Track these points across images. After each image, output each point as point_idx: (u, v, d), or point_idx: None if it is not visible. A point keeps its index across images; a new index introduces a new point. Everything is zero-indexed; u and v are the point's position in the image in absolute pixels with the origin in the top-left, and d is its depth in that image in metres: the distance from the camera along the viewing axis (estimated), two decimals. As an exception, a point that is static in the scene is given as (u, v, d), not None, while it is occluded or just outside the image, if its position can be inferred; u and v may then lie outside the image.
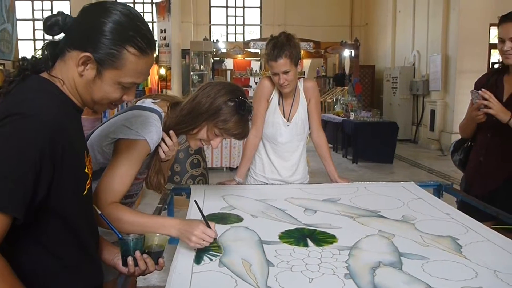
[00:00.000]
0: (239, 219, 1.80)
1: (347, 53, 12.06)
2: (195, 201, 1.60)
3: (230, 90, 1.58)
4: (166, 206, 2.14)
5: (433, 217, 1.83)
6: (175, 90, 10.81)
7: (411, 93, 10.61)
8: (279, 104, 2.34)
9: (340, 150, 8.93)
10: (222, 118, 1.54)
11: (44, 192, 0.90)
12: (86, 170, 1.04)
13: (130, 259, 1.22)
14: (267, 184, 2.41)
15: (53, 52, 1.07)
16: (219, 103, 1.54)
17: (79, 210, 1.02)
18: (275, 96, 2.34)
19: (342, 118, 8.71)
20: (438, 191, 2.37)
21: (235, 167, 7.06)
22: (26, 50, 11.63)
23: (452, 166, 7.64)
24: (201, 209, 1.51)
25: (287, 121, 2.35)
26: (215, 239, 1.43)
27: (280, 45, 2.14)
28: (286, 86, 2.21)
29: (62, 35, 1.08)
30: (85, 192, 1.04)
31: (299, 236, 1.61)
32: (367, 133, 7.93)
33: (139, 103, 1.58)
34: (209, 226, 1.40)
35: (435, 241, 1.57)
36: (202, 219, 1.44)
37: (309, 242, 1.56)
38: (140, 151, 1.44)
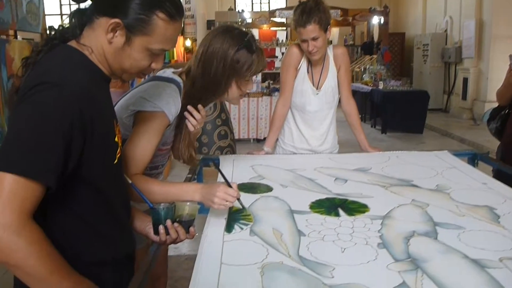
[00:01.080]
0: (268, 188, 1.79)
1: (375, 20, 11.70)
2: (214, 162, 1.60)
3: (231, 37, 1.50)
4: (196, 177, 2.15)
5: (469, 187, 1.78)
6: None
7: (443, 61, 10.30)
8: (307, 72, 2.29)
9: (368, 120, 8.79)
10: (245, 67, 1.50)
11: (75, 161, 0.90)
12: (115, 139, 1.04)
13: (161, 228, 1.22)
14: (296, 153, 2.38)
15: (80, 20, 1.05)
16: (232, 58, 1.48)
17: (110, 179, 1.02)
18: (303, 64, 2.28)
19: (370, 88, 8.55)
20: (473, 160, 2.30)
21: (262, 138, 7.05)
22: (53, 24, 11.71)
23: (485, 136, 7.47)
24: (222, 171, 1.50)
25: (317, 89, 2.30)
26: (243, 206, 1.41)
27: (308, 10, 2.07)
28: (315, 53, 2.15)
29: (89, 2, 1.06)
30: (116, 161, 1.04)
31: (330, 206, 1.59)
32: (397, 103, 7.77)
33: (159, 73, 1.55)
34: (230, 186, 1.39)
35: (471, 210, 1.52)
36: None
37: (340, 211, 1.54)
38: (158, 123, 1.43)
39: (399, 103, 7.77)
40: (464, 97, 9.48)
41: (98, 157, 0.96)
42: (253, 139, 7.21)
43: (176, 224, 1.24)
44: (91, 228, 1.00)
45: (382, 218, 1.47)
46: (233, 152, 5.17)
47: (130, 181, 1.24)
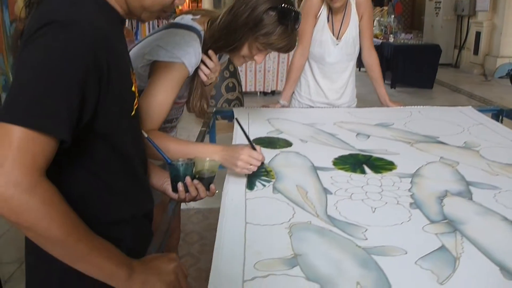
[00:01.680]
0: (288, 143, 1.70)
1: (387, -30, 11.28)
2: (236, 119, 1.49)
3: None
4: (208, 130, 2.06)
5: (499, 144, 1.69)
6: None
7: (455, 14, 9.96)
8: (328, 21, 2.15)
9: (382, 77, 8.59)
10: (264, 31, 1.33)
11: (91, 112, 0.80)
12: (133, 88, 0.94)
13: (180, 185, 1.15)
14: (313, 107, 2.28)
15: None
16: (259, 13, 1.32)
17: (127, 133, 0.93)
18: (323, 11, 2.14)
19: (380, 41, 8.31)
20: (498, 116, 2.20)
21: (269, 91, 6.92)
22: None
23: (496, 92, 7.32)
24: (244, 129, 1.40)
25: (337, 39, 2.16)
26: (263, 163, 1.33)
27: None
28: (338, 0, 2.01)
29: None
30: (133, 112, 0.94)
31: (354, 162, 1.51)
32: (407, 57, 7.58)
33: (177, 20, 1.43)
34: (254, 149, 1.31)
35: (505, 170, 1.44)
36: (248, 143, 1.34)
37: (366, 168, 1.46)
38: (177, 75, 1.31)
39: (410, 57, 7.57)
40: (476, 52, 9.24)
41: (115, 108, 0.86)
42: (260, 92, 7.07)
43: (196, 181, 1.16)
44: (108, 186, 0.91)
45: (411, 176, 1.39)
46: (241, 104, 5.07)
47: (146, 135, 1.15)
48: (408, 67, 7.58)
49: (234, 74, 4.95)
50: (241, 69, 6.80)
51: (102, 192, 0.92)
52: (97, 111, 0.83)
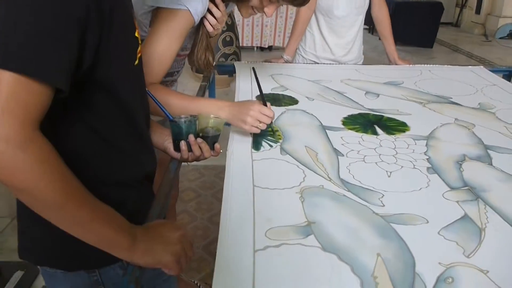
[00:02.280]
0: (293, 101, 1.61)
1: None
2: (253, 68, 1.38)
3: None
4: (208, 85, 1.96)
5: (515, 106, 1.61)
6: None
7: (459, -30, 9.66)
8: (337, -30, 2.01)
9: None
10: None
11: (90, 58, 0.70)
12: (136, 34, 0.83)
13: (183, 144, 1.06)
14: (317, 63, 2.17)
15: None
16: None
17: (130, 84, 0.82)
18: (333, -41, 2.00)
19: (382, -3, 8.04)
20: (509, 78, 2.11)
21: (266, 46, 6.73)
22: None
23: (496, 53, 7.18)
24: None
25: (346, -10, 2.03)
26: (271, 122, 1.24)
27: None
28: None
29: None
30: (136, 61, 0.84)
31: (365, 122, 1.43)
32: (408, 14, 7.36)
33: None
34: (265, 105, 1.22)
35: (524, 133, 1.37)
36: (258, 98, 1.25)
37: (378, 129, 1.38)
38: (182, 23, 1.20)
39: (411, 14, 7.36)
40: (477, 11, 9.01)
41: (117, 55, 0.76)
42: (257, 47, 6.88)
43: (199, 140, 1.07)
44: (109, 144, 0.82)
45: (426, 138, 1.32)
46: (238, 59, 4.91)
47: (146, 89, 1.05)
48: (409, 25, 7.37)
49: (232, 28, 4.77)
50: (238, 23, 6.59)
51: (102, 150, 0.82)
52: (99, 56, 0.72)
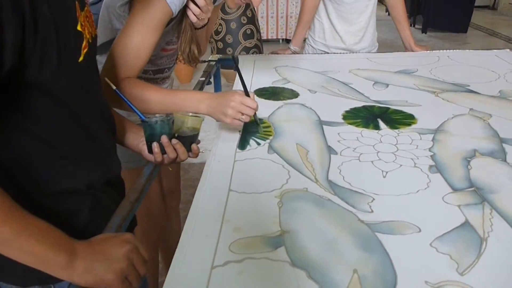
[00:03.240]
0: (294, 94, 1.50)
1: None
2: (234, 58, 1.28)
3: None
4: (211, 80, 1.87)
5: (541, 93, 1.45)
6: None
7: (495, -50, 9.21)
8: (345, -48, 1.87)
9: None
10: None
11: (12, 58, 0.62)
12: (78, 28, 0.75)
13: (155, 146, 0.97)
14: (328, 53, 2.04)
15: None
16: None
17: (75, 84, 0.74)
18: None
19: (411, -19, 7.76)
20: (540, 61, 1.93)
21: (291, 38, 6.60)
22: None
23: (538, 37, 6.78)
24: (242, 76, 1.21)
25: (355, -26, 1.89)
26: (255, 114, 1.14)
27: None
28: None
29: None
30: (81, 58, 0.75)
31: (367, 116, 1.30)
32: (440, -2, 7.06)
33: None
34: (248, 95, 1.12)
35: (547, 123, 1.21)
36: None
37: (381, 123, 1.25)
38: (157, 14, 1.10)
39: (443, -2, 7.05)
40: (516, -8, 8.57)
41: (50, 54, 0.67)
42: (282, 39, 6.75)
43: (174, 141, 0.98)
44: (54, 149, 0.74)
45: (434, 132, 1.19)
46: (259, 52, 4.81)
47: (114, 87, 0.97)
48: (441, 9, 7.07)
49: (252, 21, 4.66)
50: (262, 15, 6.50)
51: (45, 157, 0.75)
52: (25, 56, 0.64)
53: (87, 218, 0.80)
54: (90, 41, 0.79)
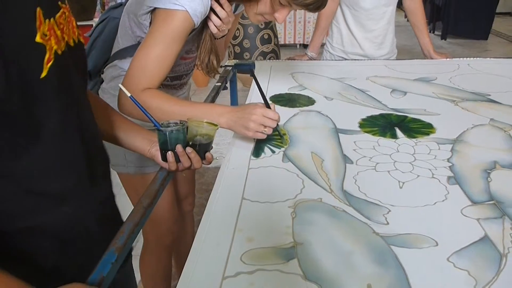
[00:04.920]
0: (310, 101, 1.49)
1: None
2: (251, 70, 1.27)
3: None
4: (227, 85, 1.87)
5: None
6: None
7: (518, -44, 9.07)
8: (364, -42, 1.86)
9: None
10: None
11: None
12: (38, 39, 0.63)
13: (170, 155, 0.97)
14: (346, 59, 2.02)
15: None
16: None
17: (38, 103, 0.64)
18: None
19: (431, -13, 7.69)
20: None
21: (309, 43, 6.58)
22: None
23: (560, 44, 6.65)
24: (260, 85, 1.20)
25: (374, -20, 1.87)
26: (277, 125, 1.13)
27: None
28: None
29: None
30: (44, 73, 0.63)
31: (385, 124, 1.28)
32: (461, 5, 6.97)
33: None
34: (268, 107, 1.11)
35: None
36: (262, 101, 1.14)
37: (398, 132, 1.23)
38: (179, 25, 1.10)
39: (464, 5, 6.95)
40: (539, -2, 8.43)
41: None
42: (300, 44, 6.74)
43: (189, 150, 0.97)
44: (18, 183, 0.65)
45: (453, 142, 1.16)
46: (276, 58, 4.80)
47: (128, 94, 0.97)
48: (461, 16, 6.98)
49: (270, 25, 4.66)
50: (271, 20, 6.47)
51: (7, 190, 0.66)
52: None
53: (56, 260, 0.73)
54: (59, 52, 0.67)
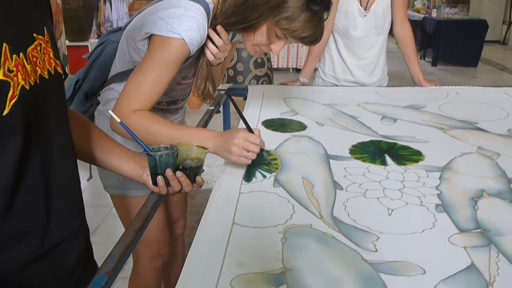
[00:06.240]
0: (301, 126, 1.51)
1: None
2: (230, 96, 1.30)
3: None
4: (220, 109, 1.89)
5: (550, 133, 1.44)
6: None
7: (506, -13, 9.32)
8: (355, -12, 1.91)
9: (417, 51, 8.16)
10: (287, 15, 1.12)
11: None
12: (0, 76, 0.61)
13: (160, 180, 0.98)
14: (337, 86, 2.06)
15: None
16: None
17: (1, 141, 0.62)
18: (351, -23, 1.90)
19: (422, 16, 7.89)
20: (550, 99, 1.92)
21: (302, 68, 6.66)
22: None
23: (547, 73, 6.79)
24: (240, 110, 1.22)
25: (364, 10, 1.92)
26: (262, 150, 1.14)
27: None
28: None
29: None
30: (6, 111, 0.61)
31: (375, 151, 1.30)
32: (451, 33, 7.14)
33: None
34: (251, 131, 1.13)
35: (556, 165, 1.20)
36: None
37: (388, 159, 1.25)
38: (175, 52, 1.13)
39: (454, 33, 7.13)
40: (526, 28, 8.63)
41: None
42: (293, 69, 6.83)
43: (179, 174, 0.98)
44: None
45: (441, 170, 1.18)
46: (270, 82, 4.85)
47: (118, 120, 0.98)
48: (451, 43, 7.15)
49: (263, 49, 4.73)
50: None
51: None
52: None
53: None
54: (27, 87, 0.65)
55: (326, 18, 1.18)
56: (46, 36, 0.72)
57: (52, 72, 0.72)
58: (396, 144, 1.36)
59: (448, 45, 7.17)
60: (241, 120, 1.26)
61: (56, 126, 0.74)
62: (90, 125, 1.02)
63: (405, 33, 2.01)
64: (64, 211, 0.76)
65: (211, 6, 1.20)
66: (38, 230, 0.71)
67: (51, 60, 0.72)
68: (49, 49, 0.72)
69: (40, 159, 0.69)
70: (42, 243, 0.71)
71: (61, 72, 0.76)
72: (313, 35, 1.17)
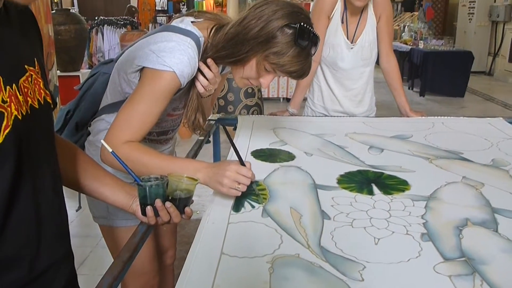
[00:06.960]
0: (290, 156, 1.53)
1: (419, -26, 10.96)
2: (224, 127, 1.32)
3: (290, 13, 1.17)
4: (210, 139, 1.91)
5: (533, 163, 1.47)
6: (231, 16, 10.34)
7: (490, 20, 9.58)
8: (342, 22, 1.96)
9: (405, 82, 8.30)
10: (276, 50, 1.16)
11: None
12: None
13: (149, 210, 0.99)
14: (326, 116, 2.09)
15: None
16: (273, 29, 1.15)
17: None
18: (337, 11, 1.96)
19: (409, 47, 8.06)
20: (533, 129, 1.97)
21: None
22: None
23: (532, 102, 6.93)
24: (233, 141, 1.24)
25: (351, 42, 1.98)
26: (252, 182, 1.16)
27: None
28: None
29: None
30: (0, 140, 0.63)
31: (362, 181, 1.32)
32: (437, 63, 7.30)
33: (176, 22, 1.27)
34: (243, 164, 1.14)
35: (539, 194, 1.23)
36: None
37: (375, 188, 1.27)
38: (166, 85, 1.16)
39: (440, 64, 7.28)
40: (511, 59, 8.84)
41: None
42: (283, 98, 6.90)
43: (168, 204, 1.00)
44: None
45: (427, 199, 1.20)
46: (260, 111, 4.90)
47: (110, 149, 1.00)
48: (438, 74, 7.29)
49: (254, 79, 4.79)
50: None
51: None
52: None
53: None
54: (20, 117, 0.67)
55: (314, 53, 1.21)
56: (36, 67, 0.74)
57: (42, 102, 0.74)
58: (383, 173, 1.38)
59: (436, 75, 7.31)
60: (232, 150, 1.28)
61: (46, 153, 0.76)
62: (77, 151, 1.03)
63: (391, 66, 2.06)
64: (53, 237, 0.77)
65: (202, 39, 1.23)
66: (28, 257, 0.71)
67: (41, 90, 0.75)
68: (39, 80, 0.75)
69: (31, 186, 0.71)
70: (31, 270, 0.72)
71: (50, 101, 0.78)
72: (301, 69, 1.20)
